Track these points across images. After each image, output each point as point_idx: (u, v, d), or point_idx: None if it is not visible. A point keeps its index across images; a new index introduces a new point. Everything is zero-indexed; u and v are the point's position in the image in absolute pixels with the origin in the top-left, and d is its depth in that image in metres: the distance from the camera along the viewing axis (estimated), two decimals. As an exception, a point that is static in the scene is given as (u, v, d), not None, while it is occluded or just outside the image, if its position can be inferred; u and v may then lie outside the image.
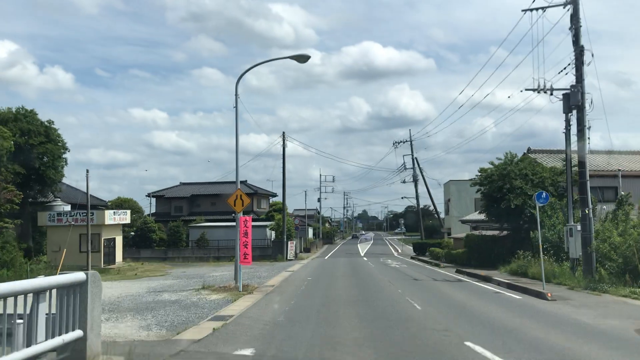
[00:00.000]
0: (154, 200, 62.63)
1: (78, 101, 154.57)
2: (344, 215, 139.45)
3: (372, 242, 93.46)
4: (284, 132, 42.48)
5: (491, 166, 28.29)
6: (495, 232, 30.41)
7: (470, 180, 46.64)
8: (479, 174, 28.84)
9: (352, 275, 25.46)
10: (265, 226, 44.35)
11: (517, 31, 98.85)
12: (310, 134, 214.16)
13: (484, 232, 32.00)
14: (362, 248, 68.03)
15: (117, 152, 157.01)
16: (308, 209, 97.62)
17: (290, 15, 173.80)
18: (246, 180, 65.71)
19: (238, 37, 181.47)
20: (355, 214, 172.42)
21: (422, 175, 50.76)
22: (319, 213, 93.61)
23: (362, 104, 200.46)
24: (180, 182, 66.12)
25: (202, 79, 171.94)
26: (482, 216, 38.39)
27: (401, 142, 51.84)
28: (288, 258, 40.94)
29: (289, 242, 42.01)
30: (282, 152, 42.68)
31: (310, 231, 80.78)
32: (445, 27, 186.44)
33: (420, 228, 53.80)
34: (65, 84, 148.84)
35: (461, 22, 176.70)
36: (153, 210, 60.87)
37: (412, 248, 63.70)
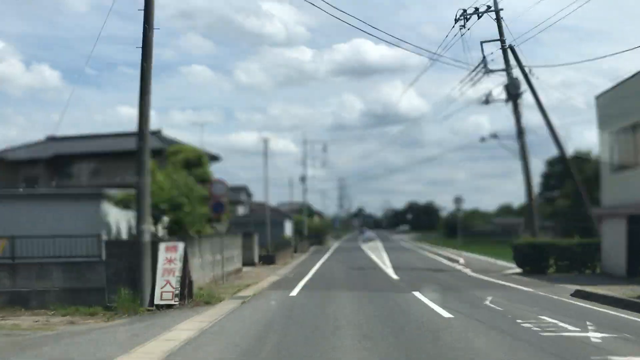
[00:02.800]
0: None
1: (65, 99, 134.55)
2: (339, 205, 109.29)
3: (379, 241, 63.97)
4: None
5: None
6: None
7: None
8: None
9: None
10: (99, 197, 14.39)
11: None
12: (301, 131, 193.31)
13: None
14: (375, 253, 38.36)
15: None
16: (293, 202, 68.54)
17: (281, 12, 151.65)
18: (160, 131, 36.26)
19: (228, 35, 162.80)
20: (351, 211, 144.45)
21: (530, 83, 20.97)
22: (302, 197, 63.72)
23: (355, 100, 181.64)
24: (48, 136, 36.39)
25: (190, 77, 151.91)
26: None
27: (476, 11, 21.69)
28: (161, 301, 11.45)
29: (166, 249, 12.34)
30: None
31: (288, 226, 50.93)
32: (436, 25, 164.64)
33: (531, 215, 22.80)
34: (52, 82, 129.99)
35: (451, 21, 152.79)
36: None
37: (484, 257, 34.37)
